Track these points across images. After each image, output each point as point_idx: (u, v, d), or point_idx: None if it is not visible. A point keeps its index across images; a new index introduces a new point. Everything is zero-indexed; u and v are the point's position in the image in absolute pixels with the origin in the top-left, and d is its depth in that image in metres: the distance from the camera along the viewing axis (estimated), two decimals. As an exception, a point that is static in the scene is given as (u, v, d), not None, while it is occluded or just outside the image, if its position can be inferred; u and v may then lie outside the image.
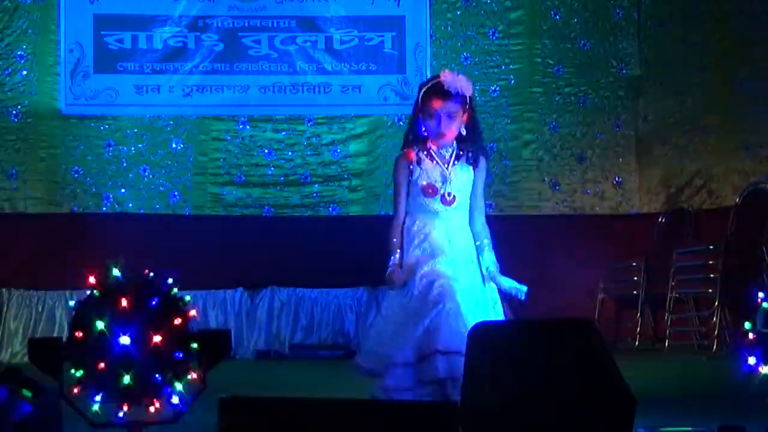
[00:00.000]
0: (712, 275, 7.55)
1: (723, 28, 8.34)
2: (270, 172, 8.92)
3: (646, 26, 9.12)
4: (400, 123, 8.92)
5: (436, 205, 4.53)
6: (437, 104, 4.48)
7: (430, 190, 4.54)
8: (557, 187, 9.06)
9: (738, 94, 8.17)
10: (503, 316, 4.53)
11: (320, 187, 8.93)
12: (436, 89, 4.51)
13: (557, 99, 9.10)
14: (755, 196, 7.85)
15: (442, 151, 4.57)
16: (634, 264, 8.42)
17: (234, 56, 8.88)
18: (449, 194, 4.54)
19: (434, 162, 4.56)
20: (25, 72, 8.73)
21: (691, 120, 8.67)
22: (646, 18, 9.13)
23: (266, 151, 8.94)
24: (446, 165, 4.56)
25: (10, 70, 8.71)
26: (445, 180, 4.54)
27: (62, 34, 8.74)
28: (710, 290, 7.60)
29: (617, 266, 8.55)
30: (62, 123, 8.77)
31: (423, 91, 4.56)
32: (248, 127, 8.95)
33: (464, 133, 4.57)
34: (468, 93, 4.52)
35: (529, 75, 9.08)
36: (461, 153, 4.59)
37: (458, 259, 4.48)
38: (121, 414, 3.52)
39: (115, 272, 3.61)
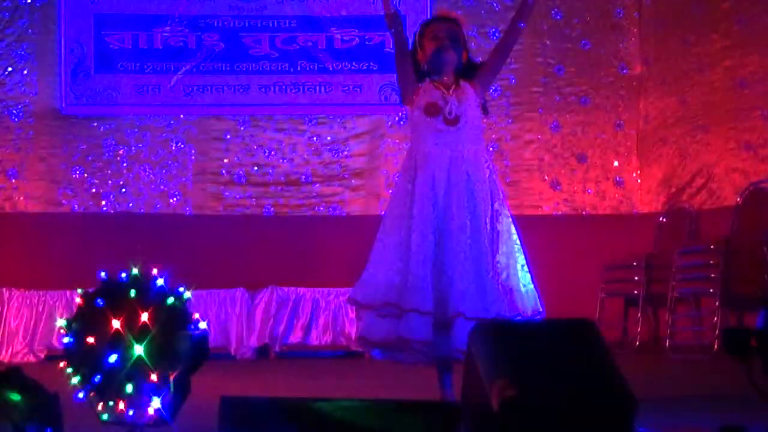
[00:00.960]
0: (712, 275, 7.54)
1: (723, 28, 8.33)
2: (270, 171, 8.92)
3: (647, 26, 9.12)
4: (401, 123, 8.93)
5: (439, 125, 4.55)
6: (440, 26, 4.69)
7: (432, 109, 4.56)
8: (558, 187, 9.06)
9: (738, 94, 8.17)
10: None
11: (320, 187, 8.93)
12: (435, 17, 4.81)
13: (557, 99, 9.10)
14: (756, 196, 7.84)
15: (443, 80, 4.64)
16: (634, 264, 8.41)
17: (235, 56, 8.88)
18: (451, 113, 4.55)
19: (435, 87, 4.62)
20: (25, 72, 8.73)
21: (691, 120, 8.66)
22: (647, 18, 9.13)
23: (266, 150, 8.94)
24: (447, 91, 4.62)
25: (10, 69, 8.71)
26: (446, 101, 4.56)
27: (62, 34, 8.74)
28: (710, 290, 7.59)
29: (617, 266, 8.54)
30: (62, 123, 8.77)
31: (422, 24, 4.79)
32: (249, 126, 8.95)
33: (460, 66, 4.70)
34: (462, 21, 4.74)
35: (530, 75, 9.08)
36: (459, 81, 4.67)
37: (450, 201, 4.50)
38: (131, 413, 3.53)
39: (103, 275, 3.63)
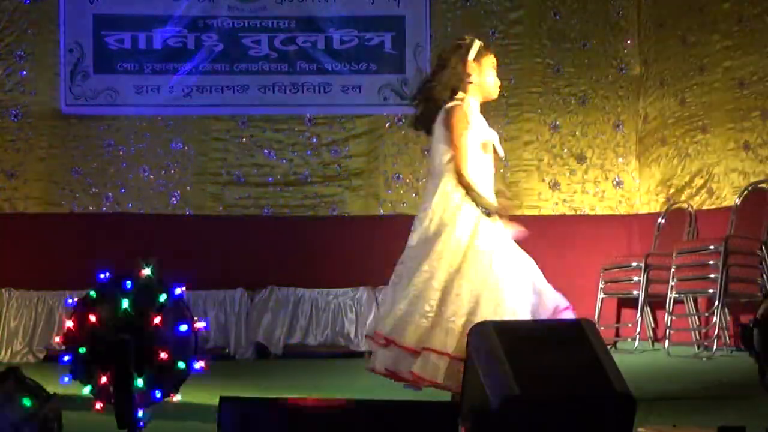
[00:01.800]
0: (712, 275, 7.55)
1: (723, 28, 8.34)
2: (270, 171, 8.92)
3: (646, 26, 9.12)
4: (400, 123, 8.93)
5: (490, 161, 4.59)
6: (495, 61, 4.73)
7: (488, 146, 4.59)
8: (557, 187, 9.06)
9: (738, 94, 8.17)
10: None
11: (320, 187, 8.93)
12: (490, 50, 4.75)
13: (557, 99, 9.10)
14: (755, 196, 7.85)
15: (478, 108, 4.67)
16: (634, 264, 8.42)
17: (234, 56, 8.88)
18: (495, 148, 4.62)
19: (481, 116, 4.65)
20: (25, 72, 8.73)
21: (691, 120, 8.66)
22: (646, 18, 9.13)
23: (266, 151, 8.94)
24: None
25: (10, 70, 8.71)
26: (492, 136, 4.62)
27: (62, 34, 8.74)
28: (710, 290, 7.60)
29: (617, 266, 8.55)
30: (62, 123, 8.77)
31: (481, 46, 4.69)
32: (248, 127, 8.95)
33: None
34: None
35: (530, 75, 9.08)
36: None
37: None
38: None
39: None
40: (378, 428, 3.00)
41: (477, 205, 4.44)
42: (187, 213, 8.83)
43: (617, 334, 8.64)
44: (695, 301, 8.16)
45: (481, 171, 4.53)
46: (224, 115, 8.94)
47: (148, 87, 8.80)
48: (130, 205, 8.77)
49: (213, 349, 8.05)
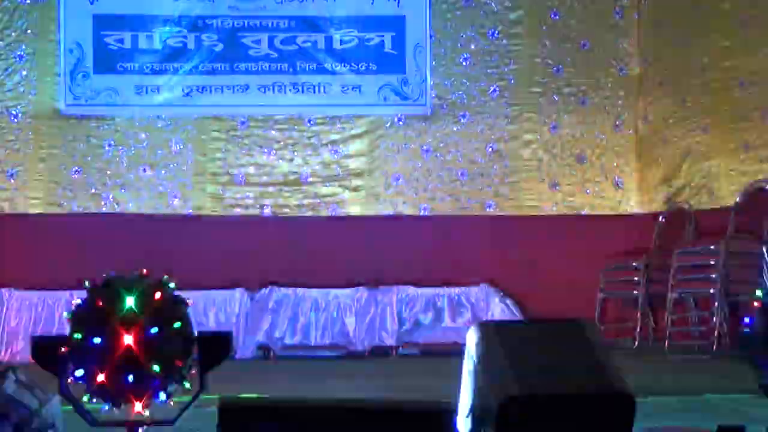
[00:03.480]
0: (712, 275, 7.55)
1: (723, 28, 8.33)
2: (270, 172, 8.92)
3: (646, 26, 9.12)
4: (400, 123, 8.93)
5: None
6: None
7: None
8: (557, 187, 9.06)
9: (738, 94, 8.17)
10: None
11: (320, 187, 8.93)
12: None
13: (557, 99, 9.09)
14: (755, 196, 7.85)
15: None
16: (634, 264, 8.42)
17: (234, 56, 8.88)
18: None
19: None
20: (25, 72, 8.73)
21: (691, 120, 8.66)
22: (646, 18, 9.13)
23: (266, 151, 8.94)
24: None
25: (10, 70, 8.71)
26: None
27: (62, 35, 8.74)
28: (710, 290, 7.60)
29: (617, 266, 8.55)
30: (62, 123, 8.77)
31: None
32: (248, 127, 8.95)
33: None
34: None
35: (529, 75, 9.08)
36: None
37: None
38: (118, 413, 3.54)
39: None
40: (378, 428, 3.00)
41: None
42: (187, 213, 8.82)
43: (617, 334, 8.63)
44: (695, 301, 8.16)
45: None
46: (224, 115, 8.95)
47: (148, 87, 8.80)
48: (131, 205, 8.76)
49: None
